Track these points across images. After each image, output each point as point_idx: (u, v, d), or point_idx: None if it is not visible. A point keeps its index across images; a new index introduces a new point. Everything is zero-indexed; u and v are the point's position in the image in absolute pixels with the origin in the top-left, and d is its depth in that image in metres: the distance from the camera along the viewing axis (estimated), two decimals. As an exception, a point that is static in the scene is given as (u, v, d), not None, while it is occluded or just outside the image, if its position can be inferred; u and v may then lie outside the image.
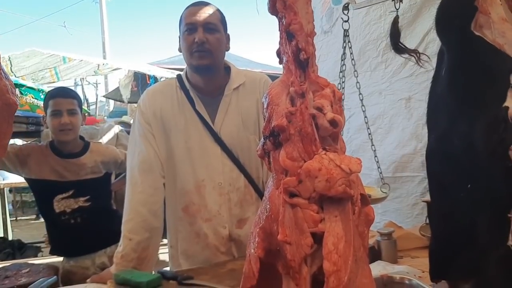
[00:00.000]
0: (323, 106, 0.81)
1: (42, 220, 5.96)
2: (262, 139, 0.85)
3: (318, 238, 0.79)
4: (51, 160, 2.21)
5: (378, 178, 2.19)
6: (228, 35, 1.74)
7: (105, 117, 9.14)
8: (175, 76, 1.81)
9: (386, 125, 2.65)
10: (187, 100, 1.72)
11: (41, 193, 2.29)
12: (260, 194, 1.73)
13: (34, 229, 6.56)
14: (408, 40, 2.32)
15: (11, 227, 5.61)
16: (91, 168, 2.27)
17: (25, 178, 2.29)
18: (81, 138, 2.34)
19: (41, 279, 1.62)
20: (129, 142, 1.82)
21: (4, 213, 4.96)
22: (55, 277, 1.67)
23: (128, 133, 3.25)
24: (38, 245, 4.74)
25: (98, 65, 7.72)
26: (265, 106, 0.85)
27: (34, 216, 7.82)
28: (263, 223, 0.82)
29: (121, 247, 1.64)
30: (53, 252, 2.41)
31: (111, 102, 13.51)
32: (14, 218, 7.64)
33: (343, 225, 0.79)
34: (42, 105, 2.36)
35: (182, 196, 1.72)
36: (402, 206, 2.58)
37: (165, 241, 2.02)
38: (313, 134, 0.79)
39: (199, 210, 1.70)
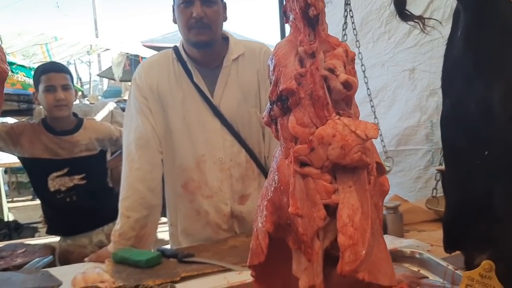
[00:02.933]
0: (335, 67, 0.74)
1: (38, 201, 5.93)
2: (268, 105, 0.78)
3: (331, 210, 0.73)
4: (44, 138, 2.14)
5: (381, 152, 2.14)
6: (225, 4, 1.65)
7: (99, 97, 9.01)
8: (172, 48, 1.73)
9: (389, 97, 2.58)
10: (184, 73, 1.64)
11: (35, 172, 2.23)
12: (262, 169, 1.67)
13: (30, 210, 6.51)
14: (412, 8, 2.23)
15: (7, 208, 5.56)
16: (86, 145, 2.20)
17: (19, 157, 2.22)
18: (74, 114, 2.27)
19: (36, 259, 1.58)
20: (125, 118, 1.76)
21: (-1, 194, 4.90)
22: (51, 256, 1.63)
23: (123, 110, 3.18)
24: (35, 225, 4.70)
25: (91, 45, 7.57)
26: (271, 68, 0.78)
27: (30, 197, 7.76)
28: (272, 196, 0.76)
29: (118, 225, 1.59)
30: (49, 232, 2.36)
31: (105, 81, 13.35)
32: (10, 199, 7.58)
33: (359, 196, 0.73)
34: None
35: (181, 173, 1.66)
36: (405, 180, 2.53)
37: (163, 219, 1.97)
38: (325, 97, 0.73)
39: (200, 186, 1.64)
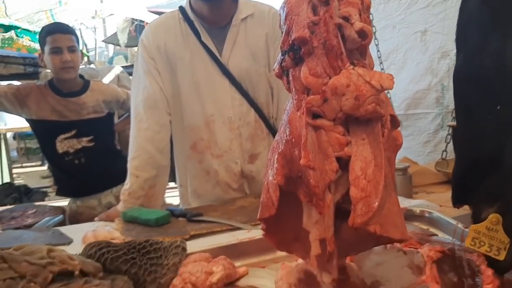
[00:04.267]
0: (350, 15, 0.71)
1: (47, 167, 5.97)
2: (279, 56, 0.76)
3: (343, 163, 0.72)
4: (51, 100, 2.14)
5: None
6: None
7: (106, 63, 8.95)
8: (178, 8, 1.69)
9: (399, 60, 2.53)
10: (191, 32, 1.61)
11: (43, 134, 2.24)
12: (271, 130, 1.67)
13: (39, 176, 6.58)
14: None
15: (17, 174, 5.63)
16: (93, 107, 2.20)
17: (26, 119, 2.22)
18: (81, 76, 2.25)
19: (47, 218, 1.59)
20: (133, 80, 1.74)
21: (8, 159, 4.94)
22: (61, 216, 1.65)
23: (130, 74, 3.15)
24: (44, 190, 4.76)
25: (96, 10, 7.48)
26: (282, 17, 0.75)
27: (39, 163, 7.84)
28: (283, 148, 0.75)
29: (128, 184, 1.60)
30: (59, 194, 2.38)
31: (111, 47, 13.22)
32: (20, 165, 7.66)
33: (372, 149, 0.71)
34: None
35: (190, 133, 1.65)
36: (414, 144, 2.51)
37: (171, 184, 1.97)
38: (339, 46, 0.70)
39: (209, 146, 1.63)
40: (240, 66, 1.60)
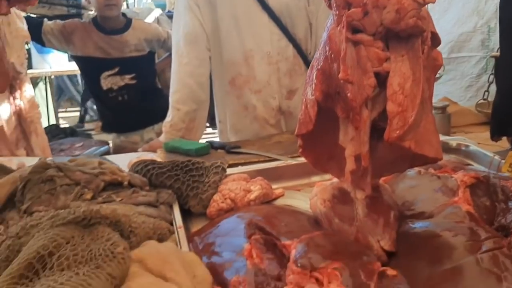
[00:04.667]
0: None
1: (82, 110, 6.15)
2: (322, -27, 0.76)
3: (381, 80, 0.74)
4: (95, 36, 2.20)
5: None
6: None
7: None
8: None
9: (445, 0, 2.43)
10: None
11: (88, 71, 2.33)
12: (309, 66, 1.66)
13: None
14: None
15: (62, 118, 5.85)
16: (135, 45, 2.25)
17: (72, 56, 2.31)
18: (123, 15, 2.29)
19: (93, 148, 1.68)
20: (174, 16, 1.77)
21: (54, 102, 5.14)
22: (107, 146, 1.73)
23: (169, 17, 3.17)
24: (88, 132, 4.95)
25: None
26: None
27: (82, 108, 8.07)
28: (322, 64, 0.77)
29: (169, 117, 1.66)
30: (104, 129, 2.50)
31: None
32: (64, 110, 7.92)
33: (411, 65, 0.72)
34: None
35: (229, 68, 1.68)
36: (455, 89, 2.45)
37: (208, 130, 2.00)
38: (382, -40, 0.70)
39: (247, 81, 1.66)
40: (280, 0, 1.59)
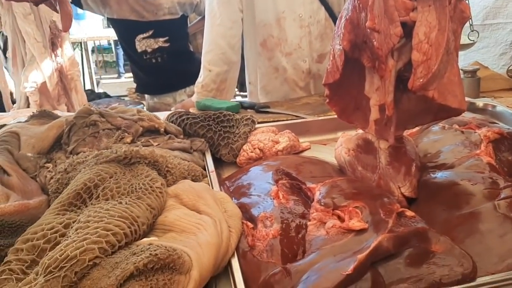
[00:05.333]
0: None
1: (123, 79, 6.28)
2: None
3: (407, 31, 0.76)
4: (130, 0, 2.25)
5: (466, 26, 2.02)
6: None
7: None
8: None
9: (482, -35, 2.37)
10: None
11: (123, 33, 2.39)
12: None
13: (117, 87, 6.96)
14: None
15: (96, 84, 6.01)
16: (168, 8, 2.29)
17: (108, 19, 2.37)
18: (157, -22, 2.33)
19: (129, 106, 1.76)
20: None
21: (89, 67, 5.27)
22: (142, 105, 1.80)
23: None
24: (122, 99, 5.08)
25: None
26: None
27: (116, 75, 8.25)
28: (350, 14, 0.80)
29: (201, 77, 1.71)
30: (138, 90, 2.59)
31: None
32: (98, 77, 8.11)
33: (437, 15, 0.75)
34: None
35: (261, 30, 1.70)
36: (488, 56, 2.40)
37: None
38: None
39: (279, 43, 1.68)
40: None
